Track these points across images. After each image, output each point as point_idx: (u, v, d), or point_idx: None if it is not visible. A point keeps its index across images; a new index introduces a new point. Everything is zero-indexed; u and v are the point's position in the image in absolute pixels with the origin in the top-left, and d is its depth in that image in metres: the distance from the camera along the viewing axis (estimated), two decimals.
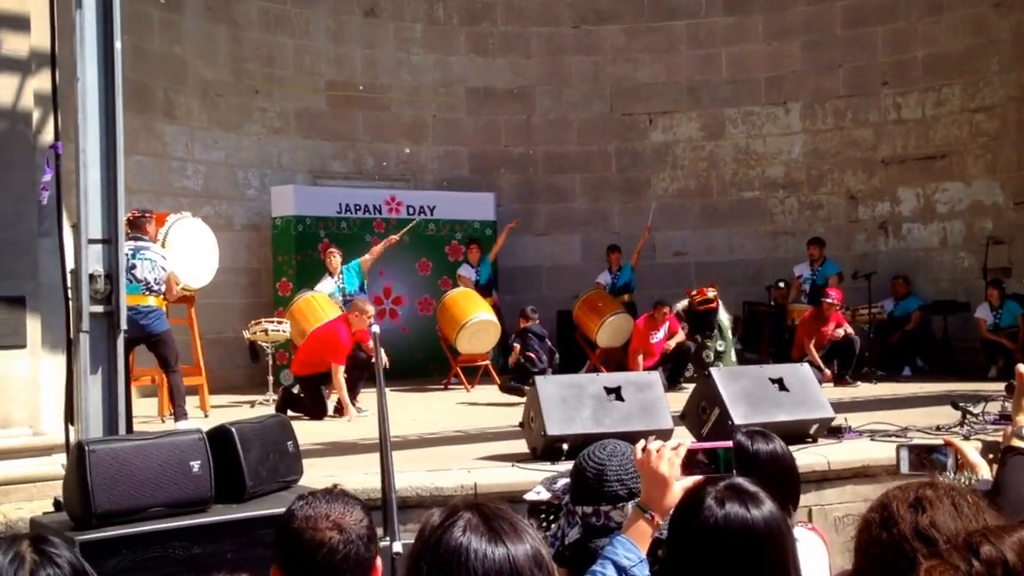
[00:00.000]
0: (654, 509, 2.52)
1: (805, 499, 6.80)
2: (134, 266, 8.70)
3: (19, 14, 5.88)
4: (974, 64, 14.17)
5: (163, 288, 8.98)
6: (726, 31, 15.77)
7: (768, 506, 2.16)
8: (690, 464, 2.57)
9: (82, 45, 5.17)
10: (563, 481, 2.81)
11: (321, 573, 2.42)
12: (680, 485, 2.52)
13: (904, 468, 3.06)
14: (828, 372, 12.09)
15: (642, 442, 2.62)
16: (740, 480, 2.26)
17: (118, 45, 5.23)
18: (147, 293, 8.79)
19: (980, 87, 14.18)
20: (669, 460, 2.54)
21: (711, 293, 12.87)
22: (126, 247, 8.57)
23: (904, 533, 1.89)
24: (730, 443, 2.68)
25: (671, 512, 2.35)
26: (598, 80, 16.04)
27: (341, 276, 12.22)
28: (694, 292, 13.07)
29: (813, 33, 15.36)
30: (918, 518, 1.88)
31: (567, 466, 5.81)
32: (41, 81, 5.87)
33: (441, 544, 1.83)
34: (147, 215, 9.37)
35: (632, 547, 2.47)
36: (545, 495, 2.80)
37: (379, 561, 2.51)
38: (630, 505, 2.65)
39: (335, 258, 12.28)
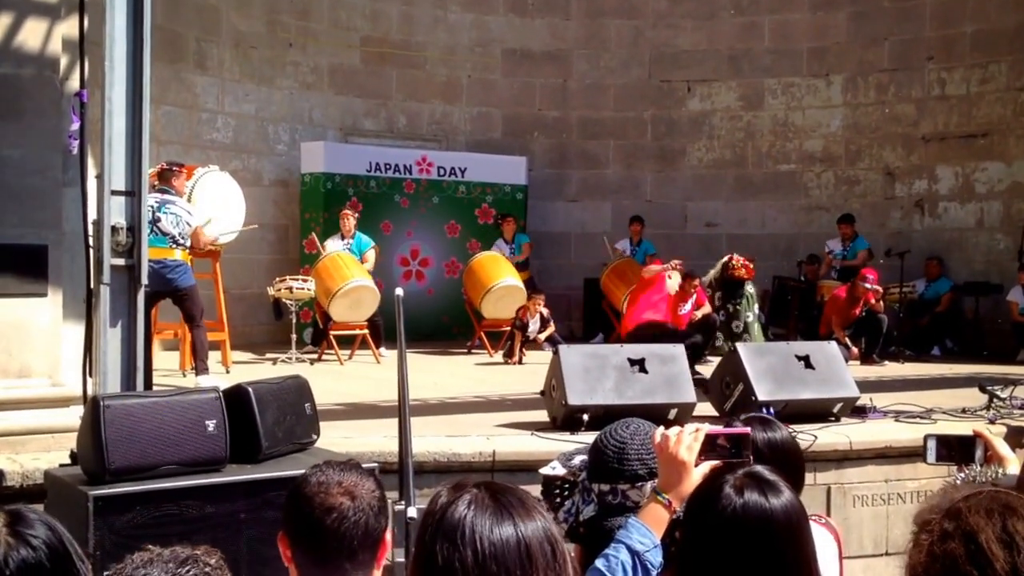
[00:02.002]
0: (671, 494, 2.48)
1: (824, 477, 6.78)
2: (159, 219, 8.70)
3: None
4: None
5: (189, 243, 8.98)
6: None
7: (787, 495, 2.15)
8: (708, 448, 2.53)
9: None
10: (580, 458, 2.77)
11: (330, 539, 2.39)
12: (699, 471, 2.48)
13: (931, 458, 2.99)
14: (855, 350, 11.96)
15: (660, 427, 2.57)
16: (759, 468, 2.22)
17: None
18: (173, 247, 8.79)
19: None
20: (688, 445, 2.49)
21: (752, 271, 12.78)
22: (152, 199, 8.63)
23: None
24: (748, 429, 2.62)
25: (688, 498, 2.31)
26: (637, 45, 15.85)
27: (351, 240, 12.14)
28: (736, 260, 12.90)
29: (860, 4, 15.08)
30: (1016, 559, 1.74)
31: (587, 437, 5.77)
32: (70, 27, 5.82)
33: (445, 520, 1.80)
34: (176, 168, 9.36)
35: (647, 532, 2.43)
36: (561, 471, 2.77)
37: (388, 535, 2.49)
38: (648, 486, 2.60)
39: (349, 220, 12.23)
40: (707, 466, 2.46)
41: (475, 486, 1.87)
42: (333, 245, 12.06)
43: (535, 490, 2.99)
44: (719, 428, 2.58)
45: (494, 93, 15.63)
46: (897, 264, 13.23)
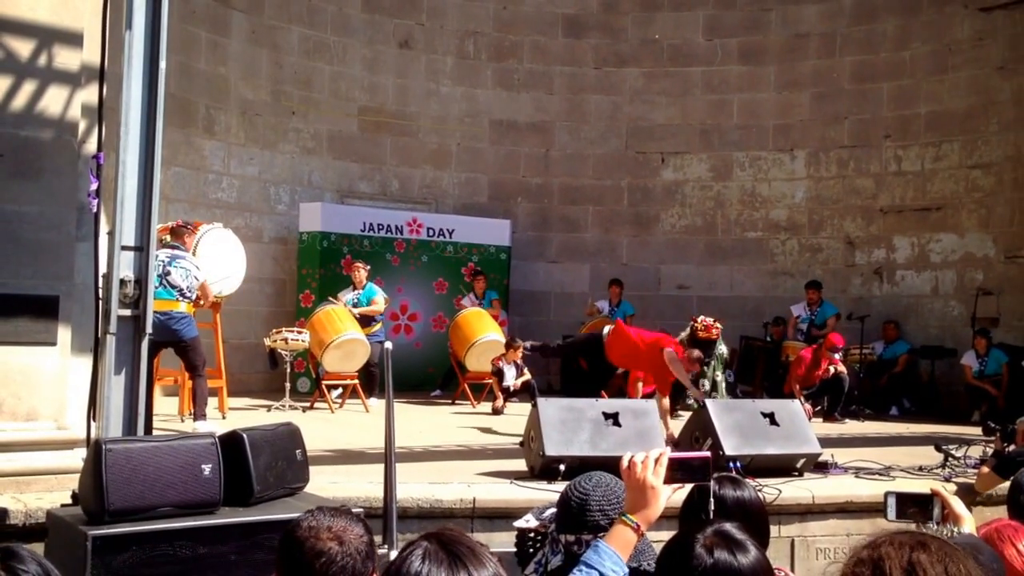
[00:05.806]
0: (639, 517, 2.48)
1: (788, 530, 6.74)
2: (169, 272, 8.70)
3: (73, 30, 5.88)
4: (974, 123, 14.11)
5: (195, 296, 8.97)
6: (739, 79, 15.75)
7: (755, 554, 2.15)
8: (673, 471, 2.54)
9: (129, 63, 5.18)
10: (551, 511, 2.78)
11: None
12: (664, 495, 2.49)
13: (891, 515, 3.00)
14: (809, 408, 11.91)
15: (628, 454, 2.58)
16: (728, 526, 2.22)
17: (163, 65, 5.24)
18: (180, 299, 8.78)
19: (978, 145, 14.11)
20: (654, 470, 2.49)
21: (715, 331, 12.74)
22: (163, 254, 8.65)
23: None
24: (708, 454, 2.64)
25: (659, 556, 2.30)
26: (615, 119, 16.03)
27: (361, 291, 12.24)
28: (700, 321, 12.90)
29: (822, 85, 15.32)
30: None
31: (563, 486, 5.76)
32: (89, 94, 5.86)
33: (400, 574, 1.79)
34: (188, 226, 9.39)
35: (617, 559, 2.42)
36: (534, 523, 2.78)
37: None
38: None
39: (361, 272, 12.30)
40: (669, 489, 2.48)
41: (424, 538, 1.87)
42: (347, 296, 12.17)
43: (512, 537, 2.99)
44: (682, 453, 2.59)
45: (481, 160, 15.74)
46: (857, 327, 13.34)
